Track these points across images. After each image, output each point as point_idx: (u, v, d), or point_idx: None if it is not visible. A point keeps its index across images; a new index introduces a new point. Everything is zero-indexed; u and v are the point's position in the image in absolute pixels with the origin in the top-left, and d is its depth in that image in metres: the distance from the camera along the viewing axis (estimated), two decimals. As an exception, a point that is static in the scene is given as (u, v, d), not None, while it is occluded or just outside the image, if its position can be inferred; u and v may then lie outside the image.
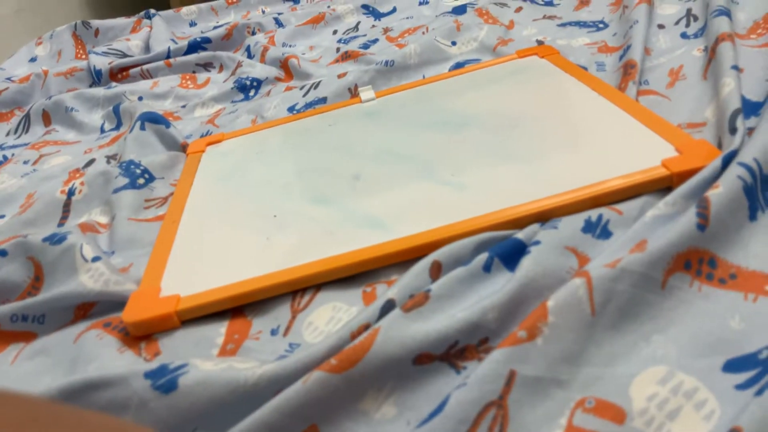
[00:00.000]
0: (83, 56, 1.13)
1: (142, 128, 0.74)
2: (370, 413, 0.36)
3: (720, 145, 0.48)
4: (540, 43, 0.76)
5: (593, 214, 0.43)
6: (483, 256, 0.42)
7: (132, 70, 0.99)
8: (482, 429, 0.33)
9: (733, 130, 0.47)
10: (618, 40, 0.71)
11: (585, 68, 0.67)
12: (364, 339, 0.37)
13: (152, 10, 1.18)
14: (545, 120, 0.58)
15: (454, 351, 0.37)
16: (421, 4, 1.03)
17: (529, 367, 0.34)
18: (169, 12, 1.19)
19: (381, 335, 0.37)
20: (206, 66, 0.98)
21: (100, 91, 0.91)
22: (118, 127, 0.85)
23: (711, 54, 0.58)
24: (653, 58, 0.64)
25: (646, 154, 0.47)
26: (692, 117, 0.54)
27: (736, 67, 0.53)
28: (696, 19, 0.67)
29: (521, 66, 0.70)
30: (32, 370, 0.44)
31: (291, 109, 0.77)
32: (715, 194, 0.40)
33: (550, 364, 0.35)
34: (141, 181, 0.64)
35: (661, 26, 0.69)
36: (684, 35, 0.66)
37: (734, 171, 0.41)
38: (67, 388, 0.37)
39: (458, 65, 0.77)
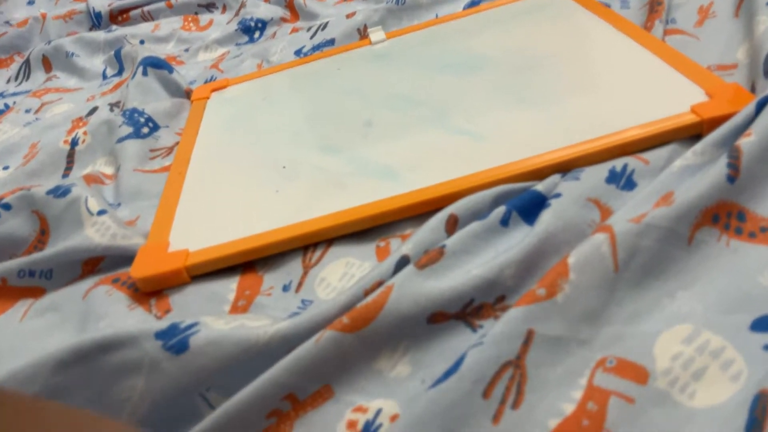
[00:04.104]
0: (82, -3, 1.09)
1: (145, 74, 0.72)
2: (384, 372, 0.35)
3: (753, 89, 0.46)
4: (560, -22, 0.72)
5: (618, 163, 0.41)
6: (500, 210, 0.40)
7: (132, 12, 0.96)
8: (499, 388, 0.32)
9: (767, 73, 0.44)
10: (643, -26, 0.67)
11: (608, 5, 0.63)
12: (377, 297, 0.36)
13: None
14: (566, 62, 0.55)
15: (470, 309, 0.36)
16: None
17: (548, 326, 0.33)
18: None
19: (394, 293, 0.36)
20: (209, 6, 0.94)
21: (100, 35, 0.89)
22: (120, 72, 0.82)
23: (744, -12, 0.54)
24: (681, -6, 0.60)
25: (674, 98, 0.45)
26: (723, 58, 0.51)
27: (772, 3, 0.50)
28: (728, -51, 0.63)
29: (540, 3, 0.67)
30: (42, 326, 0.44)
31: (298, 53, 0.74)
32: (747, 143, 0.38)
33: (570, 323, 0.33)
34: (145, 130, 0.62)
35: (690, -42, 0.64)
36: (715, -32, 0.62)
37: (768, 117, 0.38)
38: (79, 350, 0.36)
39: (473, 3, 0.74)
